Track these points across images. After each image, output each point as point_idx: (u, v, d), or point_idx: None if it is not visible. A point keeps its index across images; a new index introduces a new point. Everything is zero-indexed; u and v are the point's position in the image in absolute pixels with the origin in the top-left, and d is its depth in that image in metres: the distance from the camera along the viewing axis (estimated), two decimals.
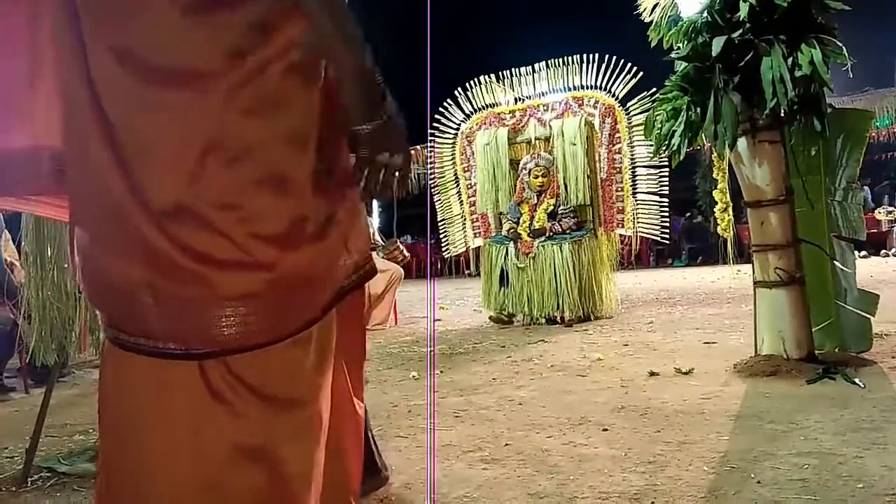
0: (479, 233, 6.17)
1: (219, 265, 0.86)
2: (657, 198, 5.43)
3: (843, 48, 2.80)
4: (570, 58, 5.70)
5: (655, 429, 2.22)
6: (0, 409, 3.44)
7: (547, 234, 5.39)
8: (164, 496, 0.87)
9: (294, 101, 0.92)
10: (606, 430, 2.25)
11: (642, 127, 4.60)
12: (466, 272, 12.76)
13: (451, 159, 6.30)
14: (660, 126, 3.21)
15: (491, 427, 2.38)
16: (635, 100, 5.42)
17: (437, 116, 6.24)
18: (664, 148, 3.21)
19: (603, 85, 5.56)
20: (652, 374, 3.08)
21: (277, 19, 0.90)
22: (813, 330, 2.97)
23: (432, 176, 6.46)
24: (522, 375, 3.31)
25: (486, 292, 5.68)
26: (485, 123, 6.05)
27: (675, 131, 3.10)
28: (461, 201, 6.30)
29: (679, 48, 3.17)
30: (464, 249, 6.44)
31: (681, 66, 3.14)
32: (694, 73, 3.04)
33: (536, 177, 5.56)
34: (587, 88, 5.64)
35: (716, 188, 4.31)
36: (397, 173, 0.94)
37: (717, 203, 4.35)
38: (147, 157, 0.86)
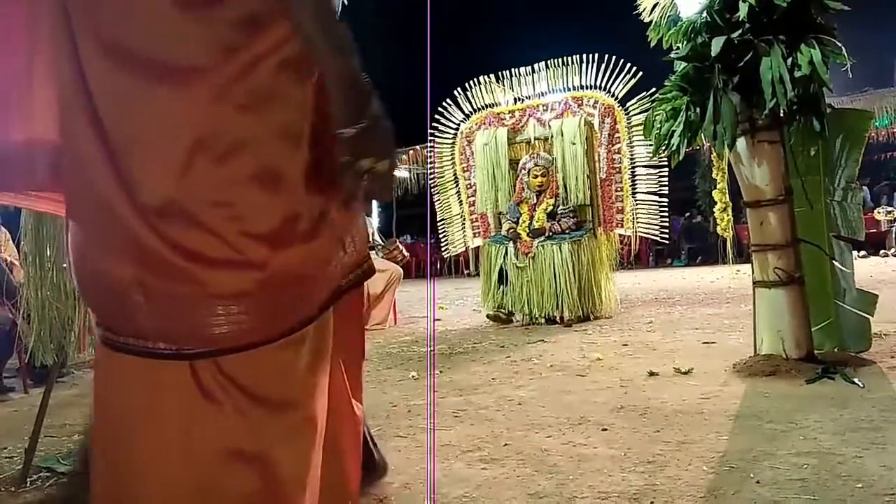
0: (479, 233, 6.18)
1: (209, 263, 0.85)
2: (656, 198, 5.43)
3: (843, 48, 2.80)
4: (569, 58, 5.70)
5: (655, 429, 2.22)
6: None
7: (546, 234, 5.40)
8: (155, 497, 0.87)
9: (287, 96, 0.91)
10: (606, 429, 2.25)
11: (642, 127, 4.61)
12: (466, 272, 12.79)
13: (451, 159, 6.31)
14: (659, 126, 3.21)
15: (490, 427, 2.38)
16: (635, 100, 5.42)
17: (436, 116, 6.24)
18: (663, 148, 3.21)
19: (602, 85, 5.56)
20: (651, 373, 3.09)
21: (270, 14, 0.89)
22: (812, 330, 2.97)
23: (432, 176, 6.46)
24: (522, 375, 3.31)
25: (486, 292, 5.68)
26: (484, 123, 6.05)
27: (674, 131, 3.10)
28: (461, 201, 6.30)
29: (678, 48, 3.17)
30: (463, 249, 6.44)
31: (680, 66, 3.14)
32: (693, 73, 3.04)
33: (536, 177, 5.57)
34: (587, 88, 5.65)
35: (715, 188, 4.31)
36: (381, 179, 0.92)
37: (716, 203, 4.35)
38: (137, 152, 0.85)
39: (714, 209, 4.42)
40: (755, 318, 3.10)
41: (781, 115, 2.96)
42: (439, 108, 6.23)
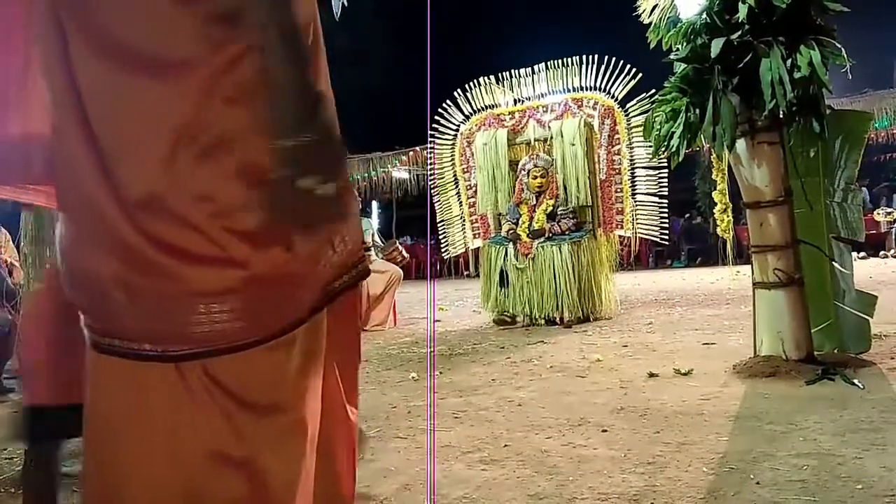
0: (479, 234, 6.18)
1: (192, 260, 0.83)
2: (656, 199, 5.44)
3: (842, 49, 2.81)
4: (569, 59, 5.71)
5: (655, 430, 2.22)
6: None
7: (546, 235, 5.40)
8: (140, 499, 0.86)
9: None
10: (606, 430, 2.25)
11: (641, 128, 4.61)
12: (466, 273, 12.78)
13: (451, 160, 6.31)
14: (659, 127, 3.21)
15: (490, 428, 2.38)
16: (634, 101, 5.43)
17: (436, 118, 6.25)
18: (663, 149, 3.22)
19: (602, 86, 5.57)
20: (651, 375, 3.09)
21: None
22: (812, 331, 2.98)
23: (432, 177, 6.46)
24: (522, 376, 3.31)
25: (486, 293, 5.68)
26: (484, 124, 6.06)
27: (674, 132, 3.11)
28: (461, 202, 6.30)
29: (678, 49, 3.18)
30: (463, 250, 6.45)
31: (680, 67, 3.14)
32: (693, 75, 3.05)
33: (535, 178, 5.57)
34: (586, 90, 5.65)
35: (715, 189, 4.32)
36: (324, 204, 0.83)
37: (716, 204, 4.35)
38: (122, 146, 0.84)
39: (714, 210, 4.43)
40: (755, 320, 3.11)
41: (781, 116, 2.97)
42: (439, 110, 6.24)
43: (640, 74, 5.37)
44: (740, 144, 3.06)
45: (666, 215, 5.53)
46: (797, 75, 2.73)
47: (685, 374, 3.04)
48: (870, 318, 3.11)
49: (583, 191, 5.50)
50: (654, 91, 4.35)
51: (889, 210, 11.91)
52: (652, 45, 3.43)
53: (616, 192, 5.57)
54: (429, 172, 6.56)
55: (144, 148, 0.83)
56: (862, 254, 10.61)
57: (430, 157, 6.53)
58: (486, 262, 5.74)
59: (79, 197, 0.86)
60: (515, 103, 6.03)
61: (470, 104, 6.16)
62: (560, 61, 5.75)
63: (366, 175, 15.16)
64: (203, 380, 0.86)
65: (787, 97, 2.74)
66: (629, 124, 5.45)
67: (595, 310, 5.38)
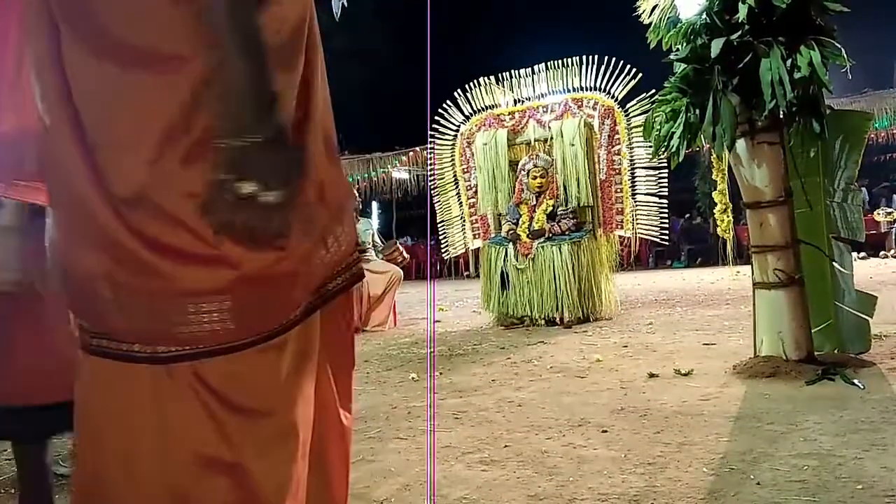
0: (479, 234, 6.18)
1: (179, 258, 0.81)
2: (656, 199, 5.44)
3: (842, 49, 2.81)
4: (569, 59, 5.71)
5: (655, 430, 2.22)
6: None
7: (546, 236, 5.40)
8: (127, 502, 0.85)
9: None
10: (606, 431, 2.25)
11: (641, 128, 4.61)
12: (466, 274, 12.78)
13: (451, 161, 6.31)
14: (659, 127, 3.21)
15: (490, 428, 2.38)
16: (634, 101, 5.43)
17: (436, 118, 6.25)
18: (663, 149, 3.22)
19: (602, 86, 5.57)
20: (651, 375, 3.09)
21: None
22: (812, 331, 2.98)
23: (432, 177, 6.47)
24: (522, 377, 3.31)
25: (486, 294, 5.68)
26: (484, 125, 6.06)
27: (674, 133, 3.11)
28: (461, 203, 6.30)
29: (678, 50, 3.18)
30: (463, 251, 6.45)
31: (680, 67, 3.14)
32: (693, 75, 3.05)
33: (535, 178, 5.57)
34: (586, 90, 5.66)
35: (715, 189, 4.32)
36: (266, 213, 0.78)
37: (716, 204, 4.36)
38: (112, 141, 0.83)
39: (714, 210, 4.43)
40: (755, 320, 3.11)
41: (781, 116, 2.97)
42: (439, 110, 6.24)
43: (640, 74, 5.38)
44: (740, 144, 3.06)
45: (666, 215, 5.53)
46: (797, 75, 2.73)
47: (685, 375, 3.04)
48: (870, 318, 3.11)
49: (583, 191, 5.50)
50: (654, 91, 4.35)
51: (889, 210, 11.91)
52: (652, 46, 3.43)
53: (616, 192, 5.57)
54: (429, 173, 6.56)
55: (134, 145, 0.82)
56: (862, 254, 10.62)
57: (430, 158, 6.53)
58: (486, 262, 5.74)
59: (68, 194, 0.85)
60: (515, 103, 6.03)
61: (470, 104, 6.16)
62: (560, 61, 5.75)
63: (366, 175, 15.18)
64: (192, 382, 0.85)
65: (787, 97, 2.74)
66: (629, 124, 5.45)
67: (595, 310, 5.37)
